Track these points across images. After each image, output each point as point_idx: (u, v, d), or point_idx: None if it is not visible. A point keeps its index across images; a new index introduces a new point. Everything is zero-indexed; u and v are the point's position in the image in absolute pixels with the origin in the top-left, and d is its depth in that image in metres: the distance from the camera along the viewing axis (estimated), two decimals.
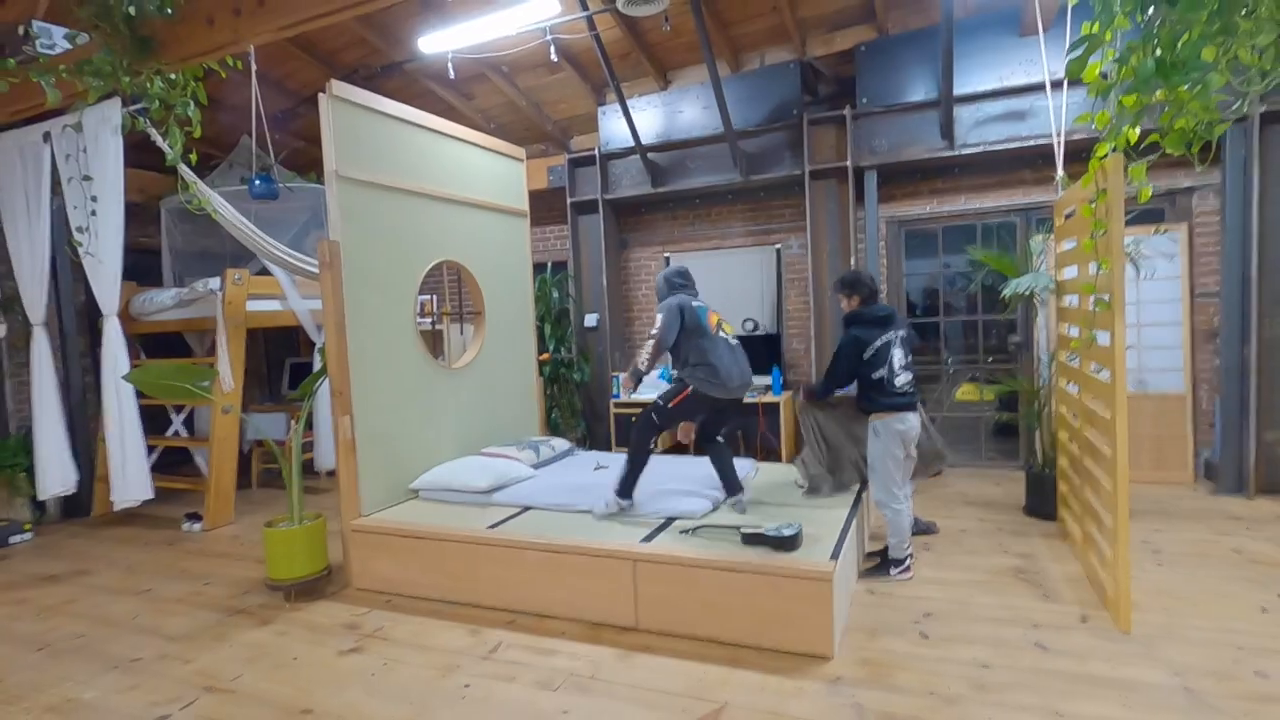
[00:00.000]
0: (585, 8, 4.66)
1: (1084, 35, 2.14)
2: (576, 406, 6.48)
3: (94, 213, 4.29)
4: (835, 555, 2.77)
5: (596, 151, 6.23)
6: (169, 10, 3.57)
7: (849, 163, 5.29)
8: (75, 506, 5.19)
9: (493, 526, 3.38)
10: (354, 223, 3.65)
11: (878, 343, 3.31)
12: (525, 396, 5.13)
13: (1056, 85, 4.25)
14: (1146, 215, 4.78)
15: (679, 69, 6.00)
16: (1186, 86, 1.86)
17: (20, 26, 3.72)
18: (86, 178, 4.24)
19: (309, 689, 2.59)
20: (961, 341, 5.87)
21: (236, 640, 3.05)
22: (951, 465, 5.52)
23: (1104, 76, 2.33)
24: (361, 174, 3.70)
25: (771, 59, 5.65)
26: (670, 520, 3.31)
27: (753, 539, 2.90)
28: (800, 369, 6.03)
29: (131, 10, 3.55)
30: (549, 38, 4.75)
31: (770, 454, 5.70)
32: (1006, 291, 4.04)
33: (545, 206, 6.74)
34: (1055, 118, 4.16)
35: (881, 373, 3.30)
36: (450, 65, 5.06)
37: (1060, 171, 3.85)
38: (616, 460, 4.07)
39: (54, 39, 3.83)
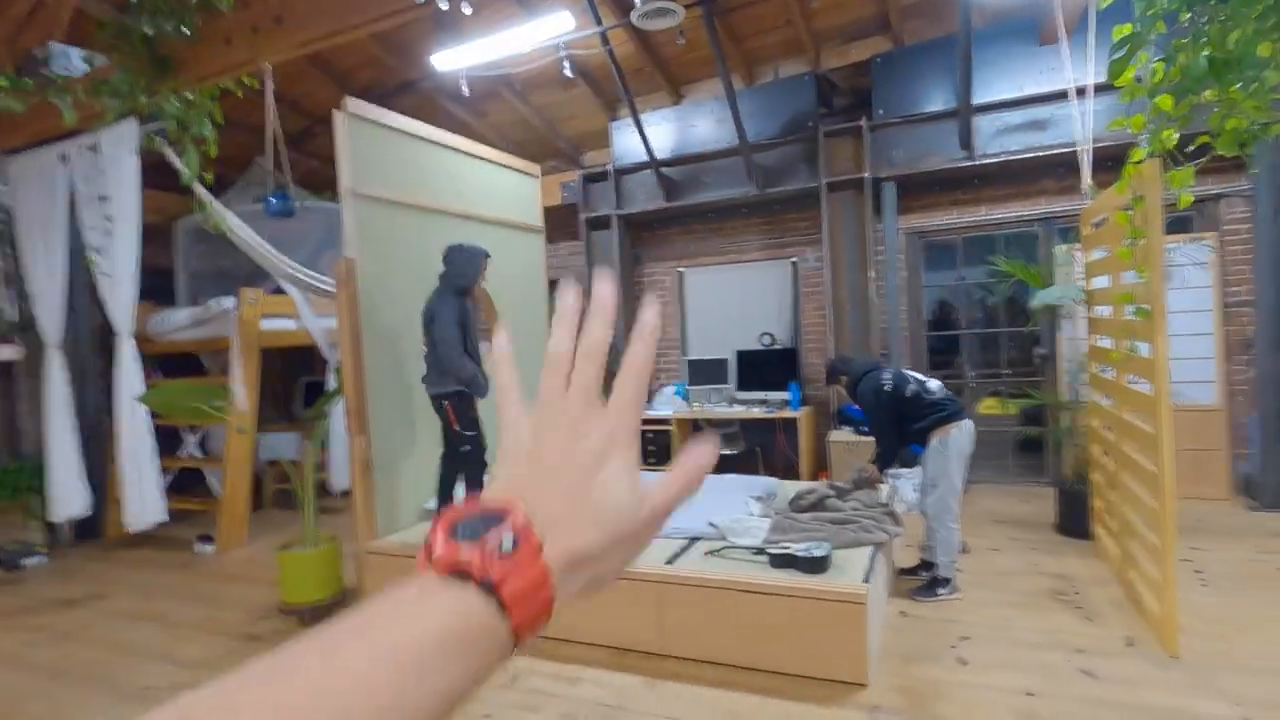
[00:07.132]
0: (599, 23, 4.65)
1: (1124, 36, 2.07)
2: None
3: (109, 233, 4.28)
4: (868, 578, 2.66)
5: (610, 167, 6.20)
6: (187, 30, 3.58)
7: (867, 174, 5.23)
8: (89, 529, 5.13)
9: None
10: (369, 240, 3.61)
11: (885, 375, 3.32)
12: None
13: (1081, 92, 4.17)
14: (1172, 224, 4.67)
15: (692, 83, 5.98)
16: (1239, 86, 1.78)
17: (37, 50, 3.73)
18: (103, 198, 4.23)
19: None
20: (981, 355, 5.76)
21: None
22: (977, 482, 5.40)
23: (1139, 80, 2.26)
24: (377, 191, 3.67)
25: (786, 71, 5.62)
26: (694, 540, 3.22)
27: (781, 560, 2.80)
28: (818, 384, 5.92)
29: (149, 31, 3.57)
30: (563, 54, 4.73)
31: (790, 471, 5.60)
32: (1035, 302, 3.94)
33: (559, 223, 6.71)
34: (1082, 124, 4.08)
35: (913, 388, 3.23)
36: (464, 83, 5.06)
37: (1088, 179, 3.77)
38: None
39: (71, 61, 3.84)
